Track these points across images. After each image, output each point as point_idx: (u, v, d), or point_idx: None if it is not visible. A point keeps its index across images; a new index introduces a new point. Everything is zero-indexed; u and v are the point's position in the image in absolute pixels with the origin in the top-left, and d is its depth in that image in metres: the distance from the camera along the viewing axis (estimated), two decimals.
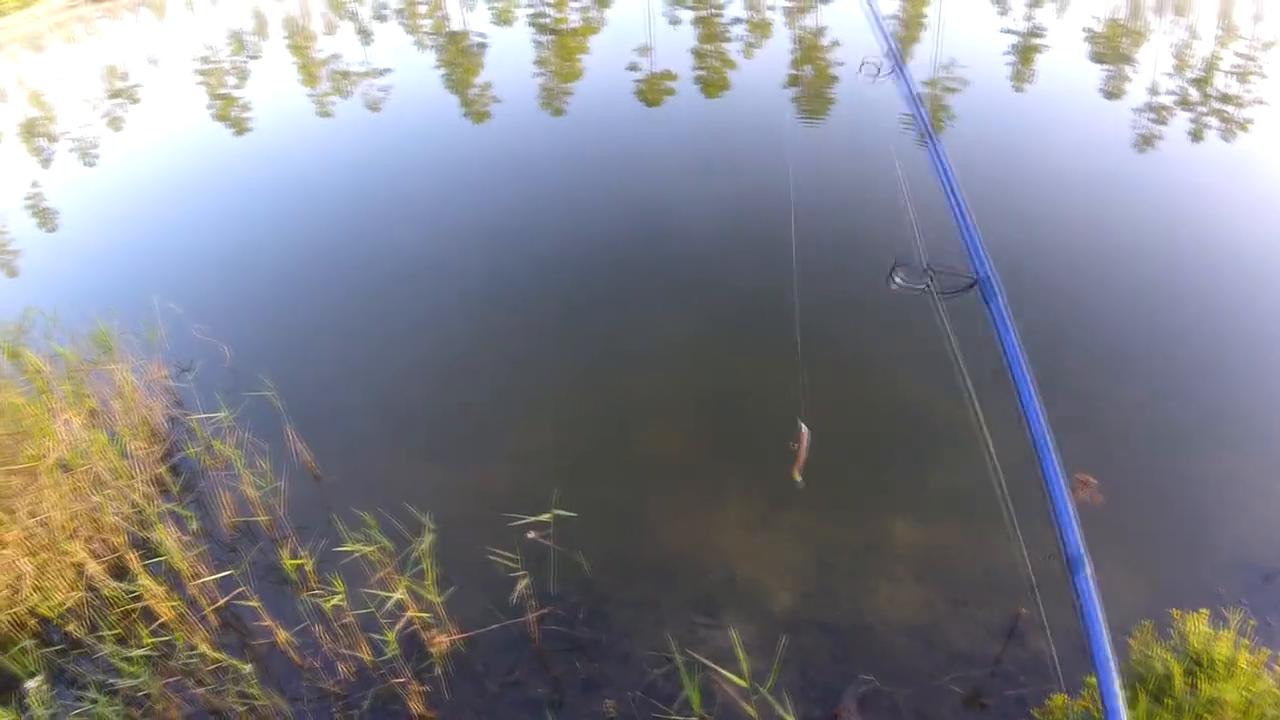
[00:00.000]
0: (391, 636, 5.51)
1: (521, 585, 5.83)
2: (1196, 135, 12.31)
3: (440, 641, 5.70)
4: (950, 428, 7.08)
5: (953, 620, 5.66)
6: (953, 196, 3.51)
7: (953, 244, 4.07)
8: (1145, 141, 12.15)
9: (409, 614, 5.66)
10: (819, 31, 18.92)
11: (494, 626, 5.85)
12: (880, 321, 8.40)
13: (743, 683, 4.86)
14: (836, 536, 6.41)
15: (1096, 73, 15.17)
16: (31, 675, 5.72)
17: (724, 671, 5.03)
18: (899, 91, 5.28)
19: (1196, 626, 4.58)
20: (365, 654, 5.66)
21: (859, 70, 6.16)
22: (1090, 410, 7.17)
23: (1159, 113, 13.00)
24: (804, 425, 4.97)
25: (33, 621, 6.26)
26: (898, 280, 4.05)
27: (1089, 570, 2.40)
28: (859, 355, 8.17)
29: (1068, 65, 15.65)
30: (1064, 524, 2.61)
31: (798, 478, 5.09)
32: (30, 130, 20.34)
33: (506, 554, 5.90)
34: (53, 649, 6.05)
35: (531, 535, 6.07)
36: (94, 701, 5.31)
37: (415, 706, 5.40)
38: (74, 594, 6.31)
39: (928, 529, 6.30)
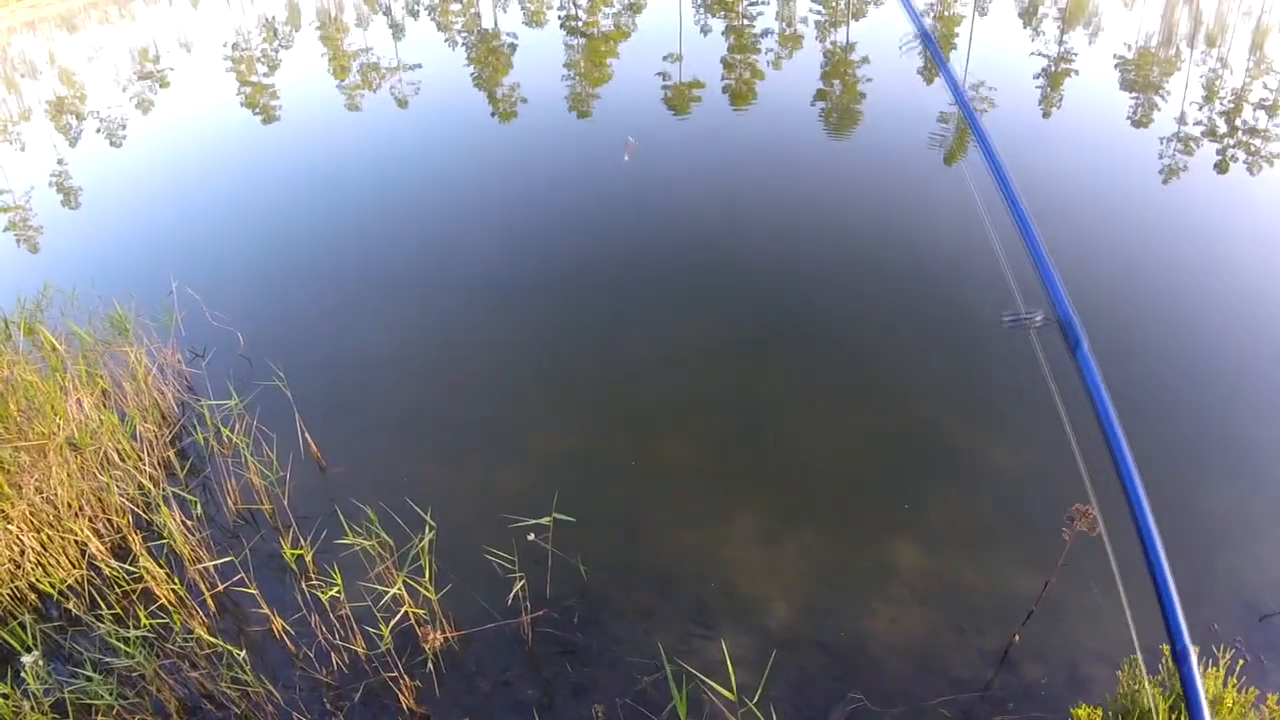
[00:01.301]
0: (386, 631, 5.54)
1: (518, 587, 5.86)
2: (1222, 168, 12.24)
3: (434, 638, 5.73)
4: (968, 455, 7.12)
5: (950, 645, 5.65)
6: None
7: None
8: (1171, 172, 12.08)
9: (405, 609, 5.69)
10: (849, 47, 18.93)
11: (488, 626, 5.89)
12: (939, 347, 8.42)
13: (730, 695, 4.86)
14: (841, 556, 6.41)
15: (1126, 100, 15.11)
16: (28, 650, 5.77)
17: (711, 683, 5.03)
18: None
19: None
20: (359, 646, 5.69)
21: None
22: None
23: (1186, 143, 12.93)
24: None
25: (33, 597, 6.33)
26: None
27: (1193, 659, 2.22)
28: (885, 370, 8.20)
29: (1097, 91, 15.59)
30: (1171, 617, 2.30)
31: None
32: (59, 108, 20.54)
33: (504, 555, 5.94)
34: (51, 625, 6.12)
35: (531, 538, 6.10)
36: (89, 679, 5.35)
37: (406, 701, 5.43)
38: (75, 572, 6.38)
39: (935, 554, 6.28)
